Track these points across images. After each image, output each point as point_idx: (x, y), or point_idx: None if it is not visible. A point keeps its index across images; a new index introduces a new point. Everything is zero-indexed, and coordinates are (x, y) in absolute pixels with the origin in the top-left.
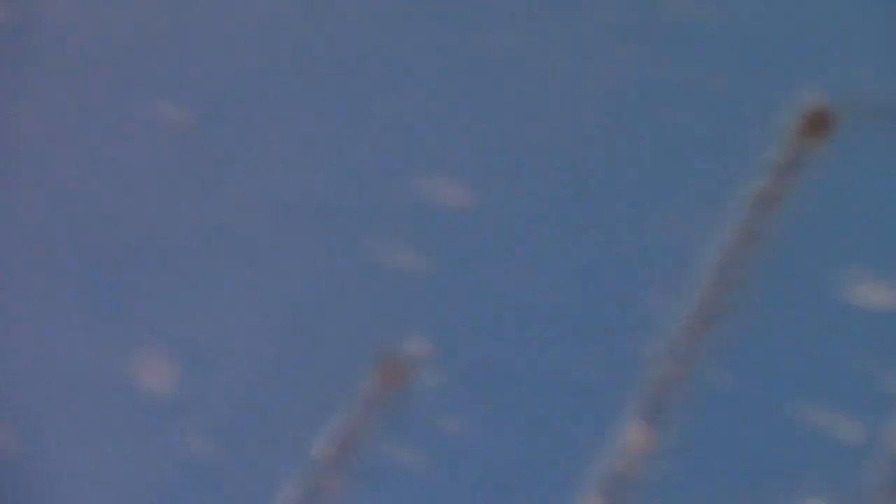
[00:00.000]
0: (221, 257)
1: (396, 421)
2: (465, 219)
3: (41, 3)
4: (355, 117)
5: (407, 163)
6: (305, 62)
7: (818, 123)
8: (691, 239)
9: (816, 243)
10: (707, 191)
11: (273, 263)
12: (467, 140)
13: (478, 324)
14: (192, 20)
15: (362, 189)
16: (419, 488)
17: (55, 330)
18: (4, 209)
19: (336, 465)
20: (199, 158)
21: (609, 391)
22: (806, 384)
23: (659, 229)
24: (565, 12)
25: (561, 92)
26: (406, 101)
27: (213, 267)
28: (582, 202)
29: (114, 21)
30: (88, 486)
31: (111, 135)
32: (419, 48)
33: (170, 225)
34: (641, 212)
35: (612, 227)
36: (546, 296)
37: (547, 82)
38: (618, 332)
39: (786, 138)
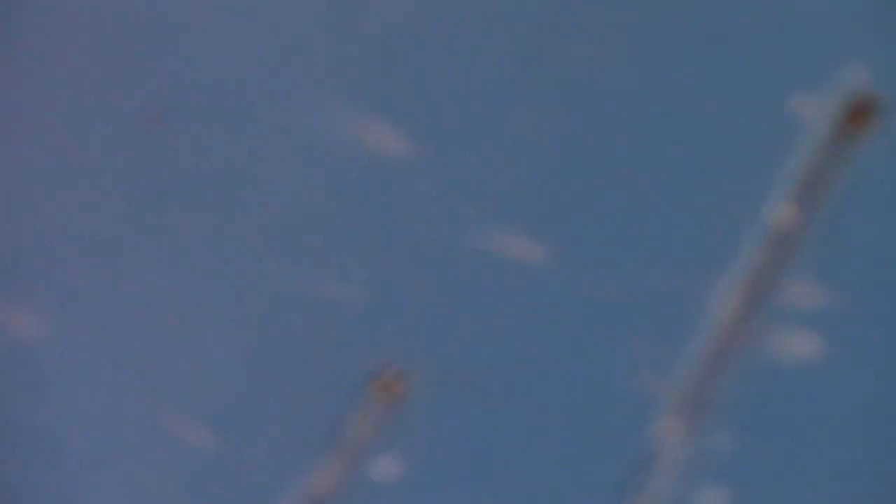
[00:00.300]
0: (208, 266)
1: (392, 436)
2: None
3: None
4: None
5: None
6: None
7: (862, 113)
8: (721, 235)
9: (854, 240)
10: (739, 184)
11: (258, 280)
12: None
13: (475, 331)
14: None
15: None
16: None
17: None
18: None
19: (331, 482)
20: (172, 155)
21: (625, 398)
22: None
23: (685, 227)
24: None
25: (575, 90)
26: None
27: (199, 275)
28: (602, 193)
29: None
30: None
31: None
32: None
33: (148, 230)
34: (667, 208)
35: (633, 225)
36: (552, 297)
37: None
38: (631, 335)
39: (826, 128)
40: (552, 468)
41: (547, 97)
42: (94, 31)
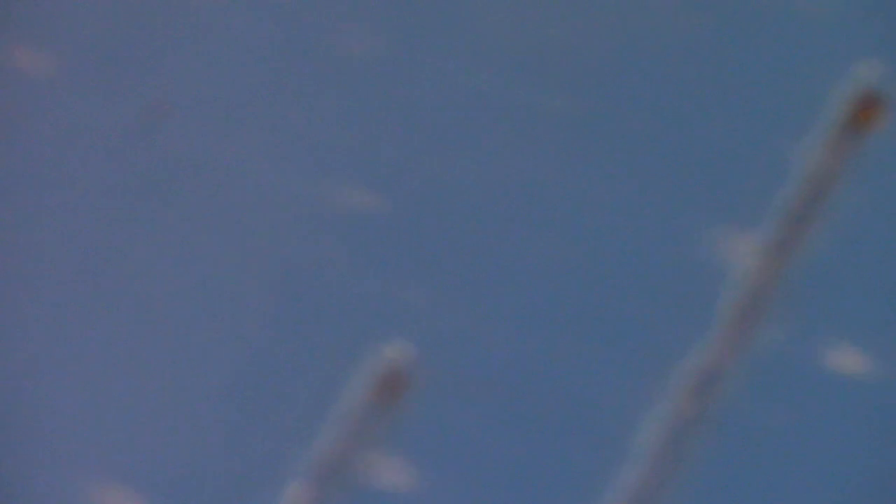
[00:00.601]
0: (209, 264)
1: (392, 433)
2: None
3: None
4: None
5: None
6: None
7: (868, 110)
8: (734, 232)
9: (866, 237)
10: (748, 187)
11: (261, 274)
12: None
13: (476, 332)
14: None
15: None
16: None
17: None
18: None
19: (328, 478)
20: (171, 159)
21: (619, 398)
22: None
23: (698, 221)
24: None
25: (592, 84)
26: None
27: (201, 272)
28: (603, 199)
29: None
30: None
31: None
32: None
33: (151, 226)
34: (678, 205)
35: (641, 224)
36: (549, 304)
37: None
38: (626, 341)
39: (835, 124)
40: (547, 465)
41: None
42: (94, 31)
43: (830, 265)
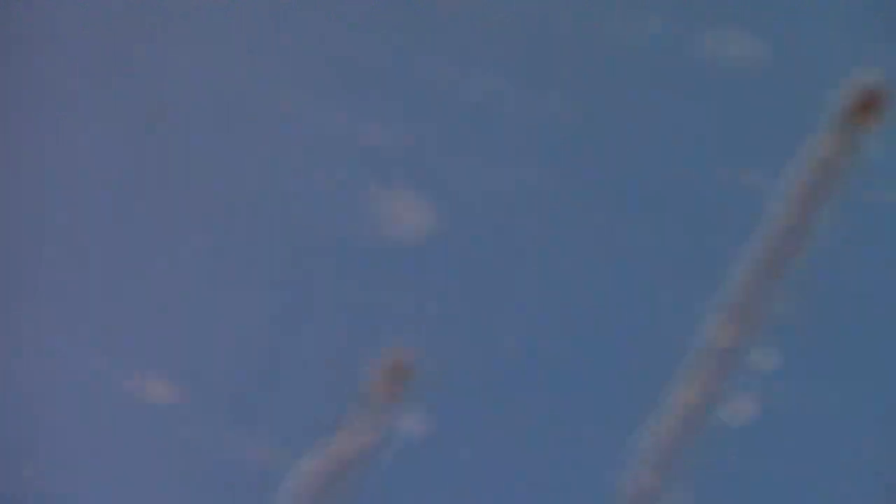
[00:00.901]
0: (214, 260)
1: (397, 427)
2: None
3: None
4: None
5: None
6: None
7: (871, 103)
8: (735, 220)
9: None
10: (755, 171)
11: (265, 273)
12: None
13: (480, 332)
14: None
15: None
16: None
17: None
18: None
19: (336, 472)
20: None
21: (620, 402)
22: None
23: (700, 207)
24: None
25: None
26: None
27: (208, 270)
28: (612, 193)
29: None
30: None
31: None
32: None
33: (158, 221)
34: (689, 180)
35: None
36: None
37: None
38: (630, 341)
39: (837, 118)
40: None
41: None
42: (95, 31)
43: None
